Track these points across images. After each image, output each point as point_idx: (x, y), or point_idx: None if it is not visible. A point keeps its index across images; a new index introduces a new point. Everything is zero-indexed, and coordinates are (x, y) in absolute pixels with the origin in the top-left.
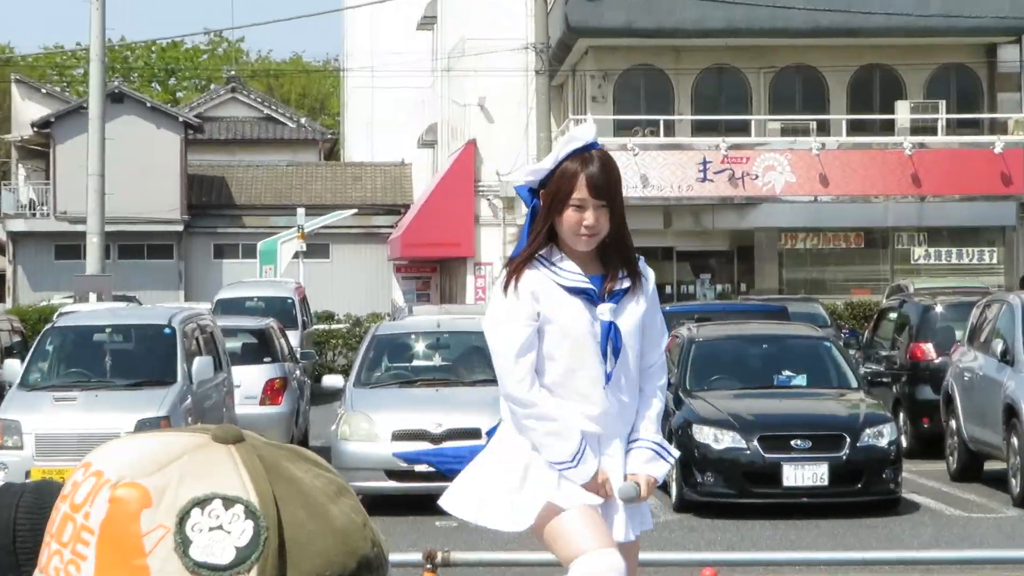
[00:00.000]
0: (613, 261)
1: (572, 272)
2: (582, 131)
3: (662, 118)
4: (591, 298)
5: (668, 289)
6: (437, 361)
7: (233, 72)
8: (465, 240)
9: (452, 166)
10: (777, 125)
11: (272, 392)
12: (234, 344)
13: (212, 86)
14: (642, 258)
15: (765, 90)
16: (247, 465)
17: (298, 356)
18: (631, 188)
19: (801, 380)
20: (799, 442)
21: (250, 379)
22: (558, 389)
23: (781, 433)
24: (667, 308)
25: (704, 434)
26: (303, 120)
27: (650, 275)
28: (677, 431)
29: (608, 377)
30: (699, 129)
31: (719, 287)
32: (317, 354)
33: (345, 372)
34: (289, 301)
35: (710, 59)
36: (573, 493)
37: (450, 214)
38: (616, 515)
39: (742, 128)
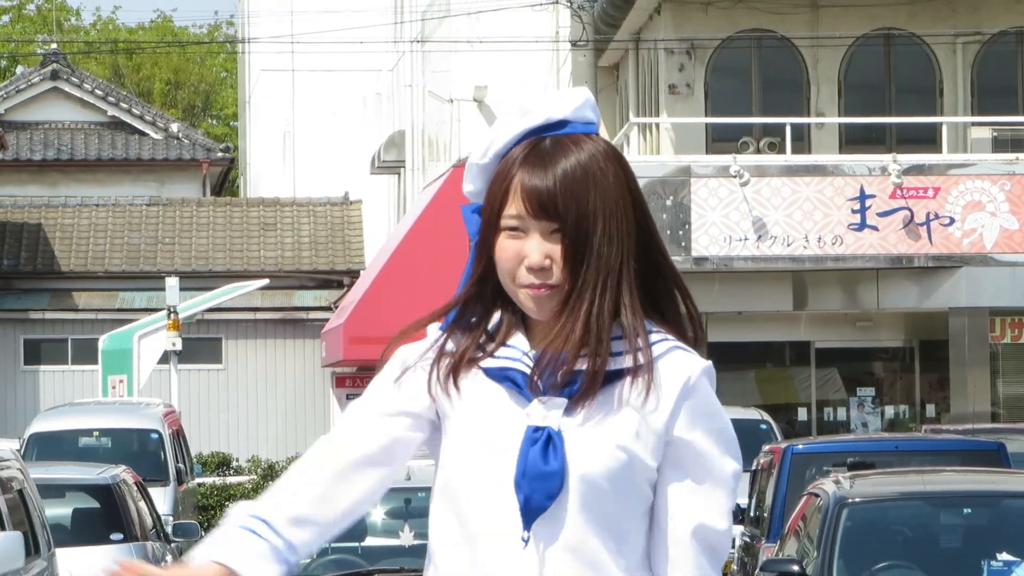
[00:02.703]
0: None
1: (511, 346)
2: (552, 102)
3: (789, 121)
4: (517, 386)
5: (802, 413)
6: (407, 538)
7: (55, 45)
8: None
9: (431, 204)
10: (987, 133)
11: None
12: (60, 511)
13: (19, 69)
14: (679, 346)
15: (965, 74)
16: None
17: (170, 531)
18: (736, 240)
19: None
20: None
21: (88, 570)
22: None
23: None
24: (800, 446)
25: None
26: (176, 127)
27: (687, 368)
28: None
29: (525, 543)
30: (853, 140)
31: (889, 410)
32: (203, 527)
33: None
34: (154, 437)
35: (869, 20)
36: None
37: (429, 286)
38: None
39: (926, 139)
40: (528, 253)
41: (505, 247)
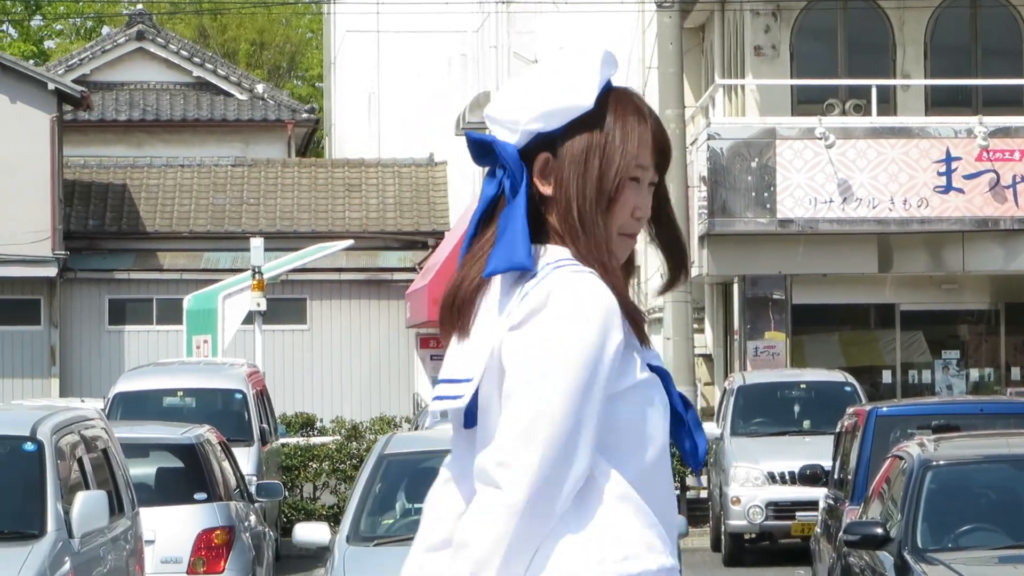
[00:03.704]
0: None
1: None
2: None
3: (874, 83)
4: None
5: (887, 376)
6: None
7: (141, 6)
8: None
9: None
10: None
11: (209, 551)
12: (144, 470)
13: (105, 30)
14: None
15: None
16: None
17: (253, 491)
18: (821, 203)
19: None
20: None
21: (172, 529)
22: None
23: None
24: (885, 408)
25: None
26: (260, 88)
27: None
28: None
29: None
30: (938, 103)
31: (974, 372)
32: (287, 487)
33: (335, 518)
34: (239, 397)
35: None
36: None
37: None
38: None
39: (1013, 101)
40: (642, 204)
41: (629, 195)
